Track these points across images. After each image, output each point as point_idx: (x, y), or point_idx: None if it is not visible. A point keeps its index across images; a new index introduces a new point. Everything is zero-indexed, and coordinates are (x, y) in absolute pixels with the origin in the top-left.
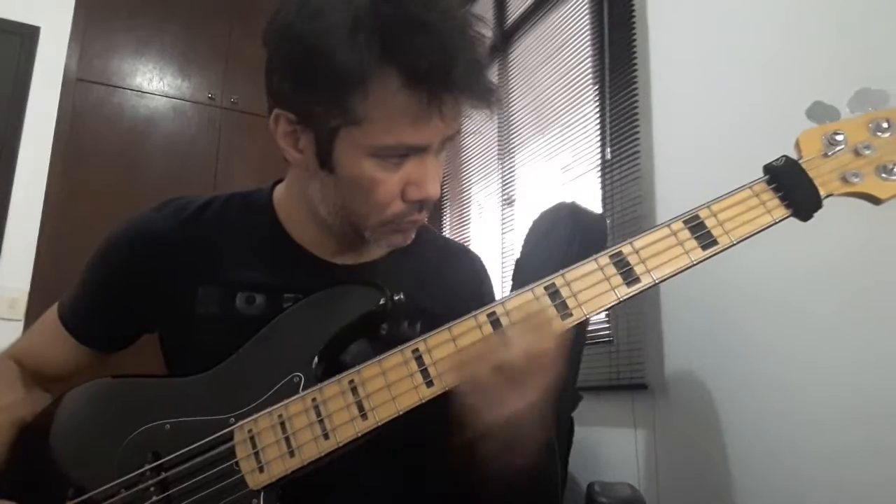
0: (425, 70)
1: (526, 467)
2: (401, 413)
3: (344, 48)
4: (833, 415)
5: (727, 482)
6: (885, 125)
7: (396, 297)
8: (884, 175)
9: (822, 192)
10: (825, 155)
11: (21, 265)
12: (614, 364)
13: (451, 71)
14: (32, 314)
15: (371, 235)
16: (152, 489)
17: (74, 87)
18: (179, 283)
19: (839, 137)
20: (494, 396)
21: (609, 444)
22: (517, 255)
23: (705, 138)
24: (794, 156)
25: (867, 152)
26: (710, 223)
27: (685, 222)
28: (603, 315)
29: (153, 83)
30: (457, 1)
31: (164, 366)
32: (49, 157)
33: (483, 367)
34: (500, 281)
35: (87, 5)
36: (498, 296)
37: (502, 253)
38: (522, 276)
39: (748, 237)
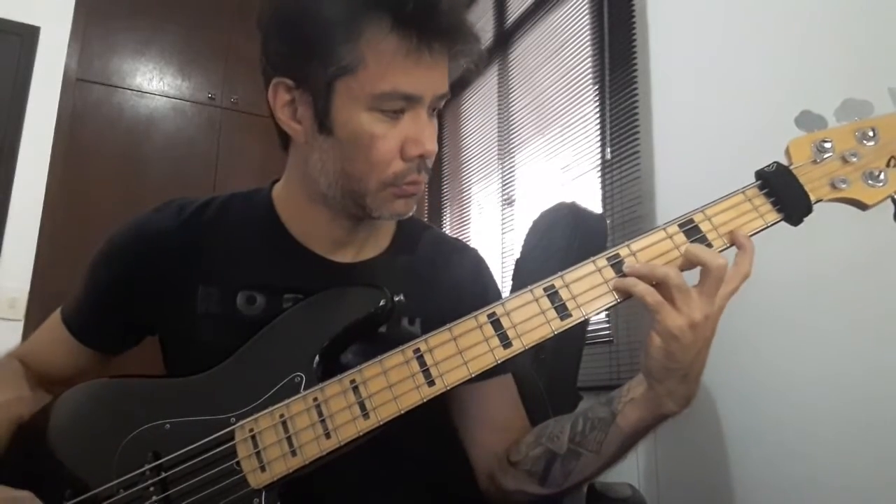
0: (412, 12)
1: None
2: (402, 412)
3: None
4: (831, 416)
5: (727, 482)
6: (870, 133)
7: (397, 299)
8: (870, 181)
9: (813, 198)
10: (814, 162)
11: (21, 265)
12: (614, 364)
13: (436, 11)
14: (32, 314)
15: (372, 202)
16: (152, 489)
17: (74, 87)
18: (180, 284)
19: (827, 145)
20: (685, 297)
21: None
22: (517, 255)
23: (705, 138)
24: (784, 162)
25: (854, 159)
26: (704, 227)
27: (680, 226)
28: (603, 315)
29: (153, 83)
30: None
31: (163, 367)
32: (49, 157)
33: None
34: (500, 281)
35: (87, 5)
36: (500, 288)
37: (502, 253)
38: (522, 275)
39: None
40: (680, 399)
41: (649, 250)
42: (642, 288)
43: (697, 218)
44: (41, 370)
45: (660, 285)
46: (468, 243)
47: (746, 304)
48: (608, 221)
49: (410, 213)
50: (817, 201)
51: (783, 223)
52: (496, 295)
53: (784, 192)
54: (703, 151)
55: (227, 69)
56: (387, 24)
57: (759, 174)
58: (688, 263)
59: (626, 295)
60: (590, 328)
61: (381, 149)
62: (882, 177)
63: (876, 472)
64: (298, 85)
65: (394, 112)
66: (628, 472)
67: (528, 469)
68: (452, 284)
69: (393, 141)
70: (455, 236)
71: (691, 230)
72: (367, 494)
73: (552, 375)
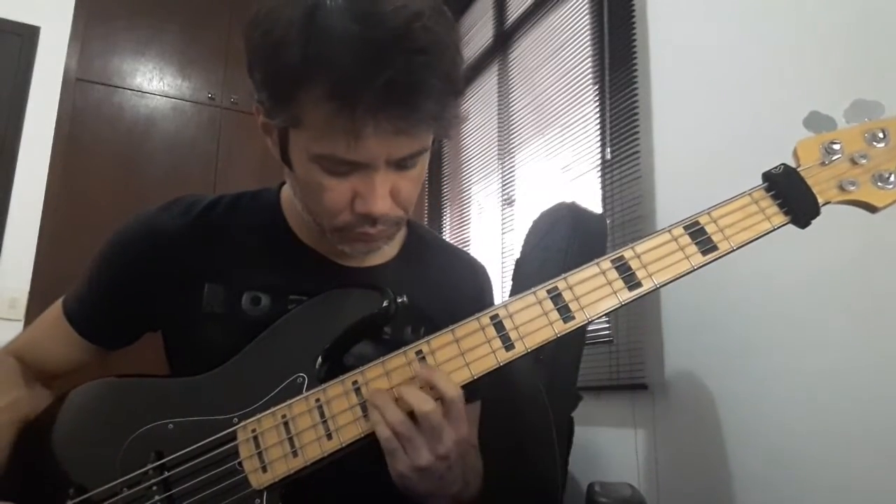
0: (342, 84)
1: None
2: None
3: (279, 51)
4: (832, 415)
5: (727, 482)
6: (880, 135)
7: (399, 300)
8: (879, 184)
9: (821, 200)
10: (823, 163)
11: (21, 265)
12: (614, 364)
13: (367, 88)
14: (32, 314)
15: (332, 238)
16: (154, 488)
17: (74, 87)
18: (185, 282)
19: (836, 146)
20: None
21: (609, 444)
22: (517, 255)
23: (705, 138)
24: (791, 163)
25: (863, 161)
26: (710, 229)
27: (685, 228)
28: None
29: (153, 83)
30: (412, 12)
31: (166, 365)
32: (49, 157)
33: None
34: (501, 281)
35: (87, 5)
36: (497, 300)
37: (502, 253)
38: (522, 275)
39: (748, 243)
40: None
41: (654, 252)
42: (383, 433)
43: (703, 220)
44: (39, 364)
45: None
46: (475, 257)
47: (747, 305)
48: (608, 221)
49: (375, 252)
50: (825, 203)
51: (790, 226)
52: None
53: (791, 195)
54: (703, 151)
55: (227, 69)
56: (321, 91)
57: (766, 176)
58: (424, 382)
59: (370, 427)
60: (590, 328)
61: (329, 199)
62: (892, 179)
63: (877, 473)
64: (267, 115)
65: (340, 171)
66: (628, 472)
67: None
68: (456, 298)
69: (342, 193)
70: (465, 250)
71: (696, 232)
72: (368, 496)
73: (552, 375)
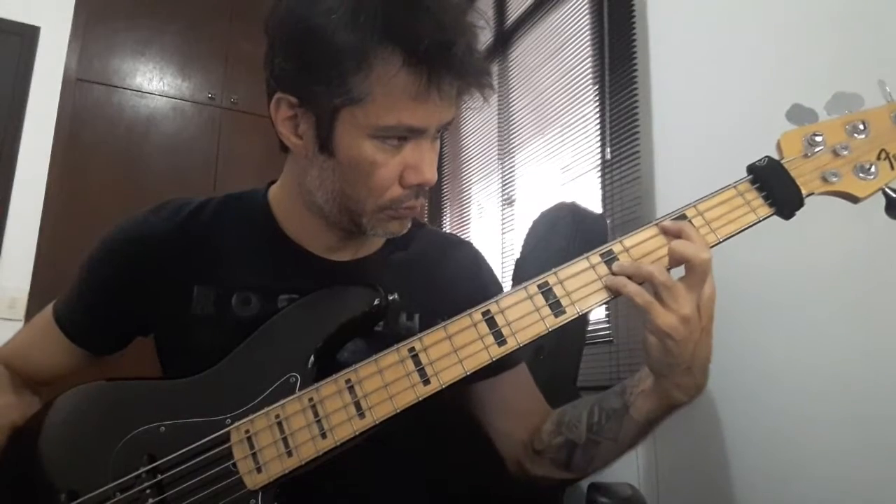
0: (426, 49)
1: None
2: (398, 411)
3: (347, 28)
4: (832, 414)
5: (727, 482)
6: (861, 126)
7: (391, 297)
8: (861, 174)
9: (804, 191)
10: (806, 155)
11: (21, 265)
12: (614, 364)
13: (450, 51)
14: (32, 314)
15: (368, 223)
16: (148, 492)
17: (74, 87)
18: (175, 284)
19: (818, 138)
20: (675, 292)
21: None
22: (517, 255)
23: (705, 138)
24: (775, 155)
25: (845, 153)
26: (697, 222)
27: (674, 221)
28: (603, 315)
29: (153, 83)
30: None
31: (159, 368)
32: (49, 157)
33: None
34: (500, 281)
35: (87, 5)
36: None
37: (502, 253)
38: (522, 276)
39: (734, 235)
40: (689, 389)
41: (642, 246)
42: (632, 288)
43: (690, 213)
44: (29, 370)
45: (647, 284)
46: (463, 237)
47: (746, 303)
48: (608, 221)
49: (404, 231)
50: (809, 195)
51: (775, 217)
52: (497, 287)
53: (775, 187)
54: (703, 151)
55: (227, 69)
56: (398, 60)
57: (751, 168)
58: (674, 261)
59: (616, 293)
60: (590, 328)
61: (381, 176)
62: (873, 170)
63: (877, 471)
64: (302, 104)
65: (397, 140)
66: (628, 472)
67: (553, 457)
68: (450, 278)
69: (393, 168)
70: (450, 231)
71: None
72: (364, 494)
73: (552, 375)
